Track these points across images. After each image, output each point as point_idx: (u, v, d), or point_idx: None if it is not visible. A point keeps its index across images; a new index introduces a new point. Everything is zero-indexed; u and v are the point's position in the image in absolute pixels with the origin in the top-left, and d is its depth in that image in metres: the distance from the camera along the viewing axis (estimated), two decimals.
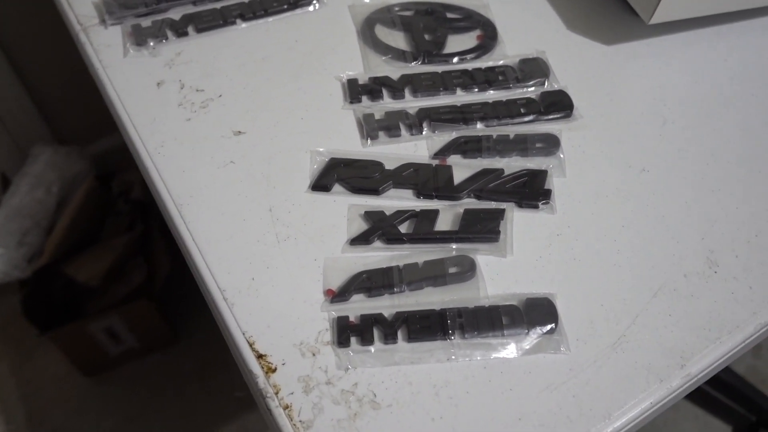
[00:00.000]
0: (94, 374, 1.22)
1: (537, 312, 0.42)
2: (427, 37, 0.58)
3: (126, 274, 1.11)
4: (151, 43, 0.56)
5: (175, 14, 0.58)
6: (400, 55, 0.56)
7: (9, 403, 1.18)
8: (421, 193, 0.47)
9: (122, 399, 1.19)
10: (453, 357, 0.40)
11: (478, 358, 0.40)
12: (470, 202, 0.47)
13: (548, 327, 0.41)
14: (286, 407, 0.38)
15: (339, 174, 0.48)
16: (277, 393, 0.39)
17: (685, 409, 1.23)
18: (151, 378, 1.21)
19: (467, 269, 0.43)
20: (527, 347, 0.41)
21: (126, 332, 1.14)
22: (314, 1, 0.60)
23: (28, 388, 1.20)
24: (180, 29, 0.57)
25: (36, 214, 1.10)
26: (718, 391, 1.23)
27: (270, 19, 0.59)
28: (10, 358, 1.23)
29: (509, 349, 0.40)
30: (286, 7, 0.59)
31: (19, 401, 1.18)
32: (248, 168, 0.49)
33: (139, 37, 0.56)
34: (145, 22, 0.57)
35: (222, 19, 0.58)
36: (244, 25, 0.58)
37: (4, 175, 1.22)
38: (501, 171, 0.48)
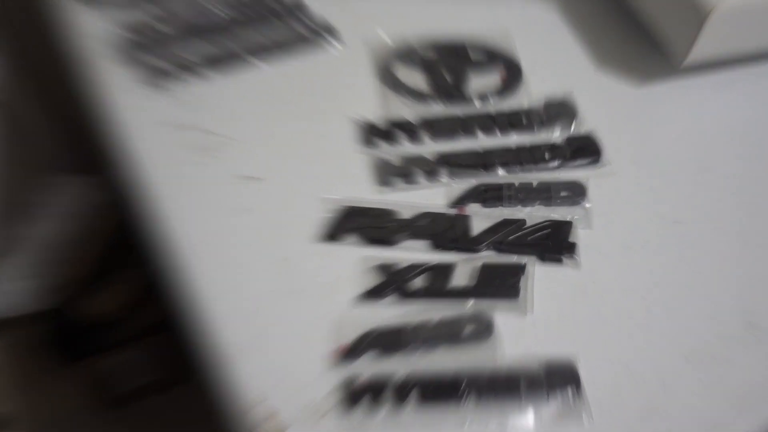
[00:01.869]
0: (114, 407, 1.21)
1: (558, 376, 0.39)
2: (448, 77, 0.56)
3: (147, 307, 1.10)
4: (168, 85, 0.55)
5: (194, 56, 0.58)
6: (419, 97, 0.54)
7: None
8: (437, 245, 0.45)
9: None
10: (467, 424, 0.38)
11: (494, 426, 0.38)
12: (489, 255, 0.45)
13: (570, 393, 0.38)
14: None
15: (352, 224, 0.46)
16: None
17: None
18: (170, 412, 1.20)
19: (484, 328, 0.41)
20: (547, 415, 0.38)
21: (146, 365, 1.14)
22: (334, 41, 0.59)
23: (47, 421, 1.20)
24: (197, 70, 0.56)
25: (58, 245, 1.11)
26: None
27: (288, 59, 0.58)
28: (30, 390, 1.23)
29: (527, 417, 0.38)
30: (305, 47, 0.58)
31: None
32: (259, 216, 0.47)
33: (156, 78, 0.55)
34: (163, 64, 0.57)
35: (239, 60, 0.57)
36: (262, 66, 0.57)
37: (28, 205, 1.24)
38: (523, 222, 0.46)
